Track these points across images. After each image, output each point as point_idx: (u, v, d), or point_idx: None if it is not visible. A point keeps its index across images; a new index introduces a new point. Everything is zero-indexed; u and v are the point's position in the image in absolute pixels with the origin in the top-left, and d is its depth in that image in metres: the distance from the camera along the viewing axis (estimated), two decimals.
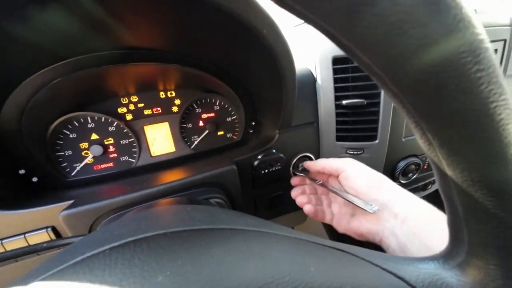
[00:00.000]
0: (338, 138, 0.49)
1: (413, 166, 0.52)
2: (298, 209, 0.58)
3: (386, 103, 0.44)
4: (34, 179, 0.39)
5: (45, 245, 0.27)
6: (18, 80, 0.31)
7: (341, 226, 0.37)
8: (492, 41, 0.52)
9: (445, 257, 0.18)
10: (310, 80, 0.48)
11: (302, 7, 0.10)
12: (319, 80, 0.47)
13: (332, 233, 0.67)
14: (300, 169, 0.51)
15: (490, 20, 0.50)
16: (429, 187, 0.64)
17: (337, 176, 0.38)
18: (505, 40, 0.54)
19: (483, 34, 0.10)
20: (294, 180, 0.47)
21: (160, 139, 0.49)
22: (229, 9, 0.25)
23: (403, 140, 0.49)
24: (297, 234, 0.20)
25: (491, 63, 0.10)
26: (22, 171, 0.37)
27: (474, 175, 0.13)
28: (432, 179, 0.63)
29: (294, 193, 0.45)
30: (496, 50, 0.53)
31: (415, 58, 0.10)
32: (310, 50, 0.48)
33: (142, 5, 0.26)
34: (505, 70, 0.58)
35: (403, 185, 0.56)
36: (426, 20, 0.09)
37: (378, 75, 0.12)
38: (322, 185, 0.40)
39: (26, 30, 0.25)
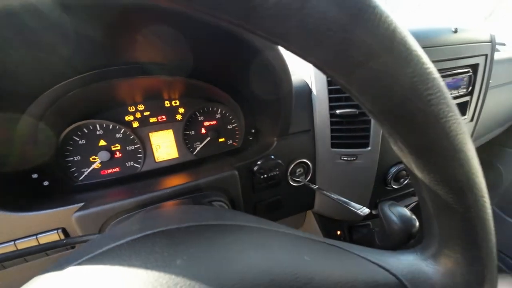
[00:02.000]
0: (333, 145, 0.52)
1: (404, 172, 0.55)
2: (296, 213, 0.61)
3: None
4: (46, 183, 0.41)
5: (64, 241, 0.29)
6: (38, 92, 0.34)
7: None
8: (474, 56, 0.56)
9: (422, 249, 0.21)
10: (306, 91, 0.51)
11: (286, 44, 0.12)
12: (314, 91, 0.50)
13: (327, 234, 0.69)
14: (297, 174, 0.54)
15: (472, 37, 0.54)
16: None
17: None
18: (486, 55, 0.58)
19: (431, 68, 0.13)
20: None
21: (164, 146, 0.51)
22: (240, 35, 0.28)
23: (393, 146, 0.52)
24: (294, 231, 0.22)
25: (438, 88, 0.13)
26: (35, 175, 0.39)
27: (437, 176, 0.15)
28: None
29: None
30: (478, 65, 0.57)
31: (380, 88, 0.13)
32: (305, 63, 0.51)
33: (157, 31, 0.29)
34: (487, 82, 0.62)
35: (395, 190, 0.58)
36: (394, 66, 0.12)
37: (355, 97, 0.15)
38: (318, 189, 0.42)
39: (44, 50, 0.28)
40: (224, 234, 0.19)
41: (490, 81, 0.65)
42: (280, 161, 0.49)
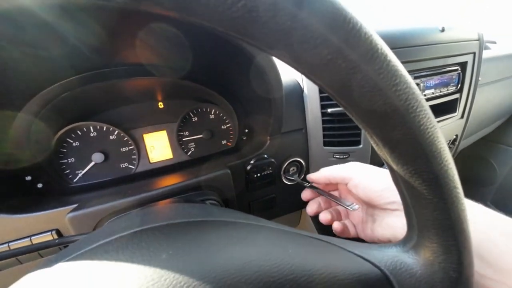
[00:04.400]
0: (325, 144, 0.52)
1: None
2: (291, 211, 0.61)
3: None
4: (39, 185, 0.41)
5: (57, 241, 0.29)
6: (31, 93, 0.34)
7: (367, 236, 0.35)
8: (462, 54, 0.57)
9: (404, 241, 0.21)
10: (297, 90, 0.52)
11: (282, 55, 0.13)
12: (305, 90, 0.51)
13: (322, 233, 0.69)
14: (291, 173, 0.54)
15: (460, 35, 0.55)
16: None
17: (346, 185, 0.36)
18: (474, 53, 0.60)
19: (398, 65, 0.13)
20: (304, 194, 0.43)
21: (158, 147, 0.52)
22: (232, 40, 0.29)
23: None
24: (281, 227, 0.23)
25: (406, 84, 0.14)
26: (28, 178, 0.40)
27: (411, 168, 0.16)
28: None
29: (310, 209, 0.41)
30: (466, 62, 0.58)
31: (347, 84, 0.13)
32: None
33: (152, 33, 0.30)
34: (476, 80, 0.63)
35: None
36: (360, 64, 0.13)
37: (328, 94, 0.15)
38: (311, 187, 0.43)
39: (43, 50, 0.29)
40: (210, 229, 0.19)
41: (480, 79, 0.66)
42: (273, 160, 0.49)
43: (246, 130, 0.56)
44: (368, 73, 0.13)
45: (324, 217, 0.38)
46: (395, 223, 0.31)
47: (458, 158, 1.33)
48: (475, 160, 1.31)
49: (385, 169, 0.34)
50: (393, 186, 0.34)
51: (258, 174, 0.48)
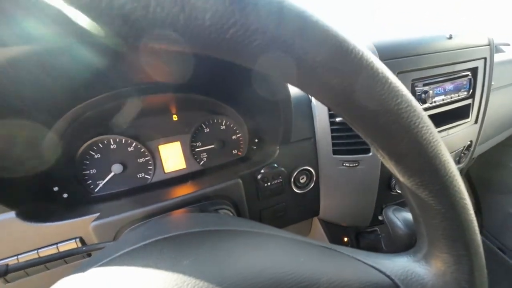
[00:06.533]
0: (335, 152, 0.53)
1: None
2: (302, 219, 0.61)
3: None
4: (65, 195, 0.44)
5: (84, 248, 0.31)
6: (60, 113, 0.37)
7: None
8: (472, 60, 0.56)
9: (415, 251, 0.22)
10: (306, 100, 0.53)
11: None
12: (313, 100, 0.52)
13: (334, 241, 0.68)
14: (301, 182, 0.55)
15: (468, 41, 0.55)
16: None
17: None
18: (485, 58, 0.59)
19: (399, 85, 0.15)
20: None
21: (172, 157, 0.54)
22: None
23: None
24: (294, 236, 0.24)
25: (407, 103, 0.15)
26: (55, 188, 0.43)
27: (417, 180, 0.17)
28: None
29: None
30: (477, 68, 0.58)
31: (354, 105, 0.14)
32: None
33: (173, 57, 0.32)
34: (489, 84, 0.62)
35: (400, 195, 0.58)
36: (364, 87, 0.14)
37: (338, 110, 0.16)
38: None
39: (70, 77, 0.32)
40: (226, 238, 0.21)
41: (493, 83, 0.65)
42: (283, 169, 0.50)
43: (256, 140, 0.58)
44: (371, 94, 0.14)
45: None
46: None
47: (476, 165, 1.28)
48: (495, 167, 1.25)
49: None
50: None
51: (268, 183, 0.49)
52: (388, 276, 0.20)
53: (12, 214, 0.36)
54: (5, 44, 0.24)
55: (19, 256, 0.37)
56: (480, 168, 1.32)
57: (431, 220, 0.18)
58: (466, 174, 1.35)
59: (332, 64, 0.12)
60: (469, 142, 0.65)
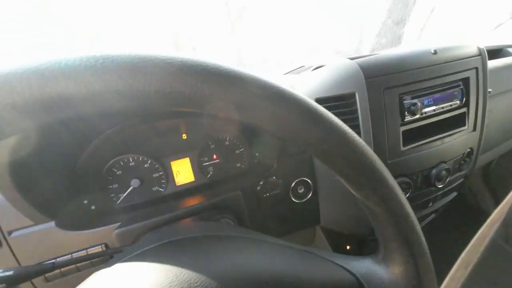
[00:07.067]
0: None
1: (404, 185, 0.57)
2: (302, 228, 0.65)
3: (366, 130, 0.52)
4: (93, 207, 0.52)
5: (109, 250, 0.38)
6: (90, 140, 0.46)
7: None
8: (462, 71, 0.59)
9: (377, 253, 0.25)
10: None
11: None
12: None
13: (336, 249, 0.70)
14: (299, 192, 0.59)
15: (455, 54, 0.58)
16: (430, 204, 0.66)
17: None
18: (476, 68, 0.61)
19: (334, 120, 0.19)
20: None
21: (182, 171, 0.61)
22: None
23: (388, 162, 0.56)
24: (279, 241, 0.28)
25: (341, 134, 0.19)
26: (85, 201, 0.51)
27: (363, 193, 0.21)
28: (432, 196, 0.66)
29: None
30: (468, 78, 0.60)
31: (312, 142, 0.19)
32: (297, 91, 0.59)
33: None
34: (485, 92, 0.63)
35: None
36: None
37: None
38: None
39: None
40: (218, 241, 0.26)
41: (490, 90, 0.66)
42: (280, 181, 0.55)
43: (257, 154, 0.63)
44: (308, 132, 0.19)
45: None
46: None
47: (495, 171, 1.23)
48: (505, 175, 1.19)
49: None
50: None
51: (268, 194, 0.54)
52: (353, 275, 0.24)
53: (52, 223, 0.43)
54: None
55: (56, 260, 0.44)
56: (502, 173, 1.25)
57: (381, 226, 0.22)
58: (486, 180, 1.29)
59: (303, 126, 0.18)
60: (469, 149, 0.65)
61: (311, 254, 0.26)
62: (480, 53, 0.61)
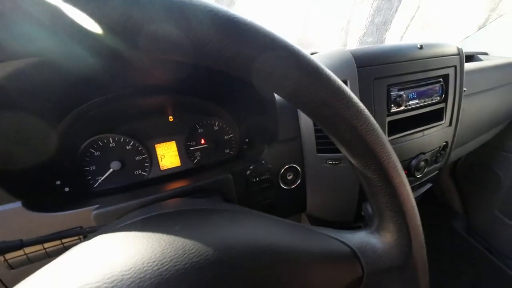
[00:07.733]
0: (319, 151, 0.57)
1: None
2: (290, 215, 0.65)
3: None
4: (66, 189, 0.47)
5: (87, 229, 0.35)
6: (65, 112, 0.41)
7: None
8: (443, 68, 0.62)
9: (371, 225, 0.26)
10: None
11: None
12: None
13: None
14: (288, 178, 0.59)
15: (439, 51, 0.61)
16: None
17: None
18: (455, 66, 0.65)
19: (341, 86, 0.19)
20: None
21: (168, 156, 0.58)
22: None
23: None
24: (272, 217, 0.28)
25: (347, 99, 0.19)
26: (58, 182, 0.46)
27: (362, 161, 0.21)
28: (411, 186, 0.70)
29: None
30: (448, 75, 0.63)
31: (306, 100, 0.19)
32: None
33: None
34: (461, 90, 0.68)
35: None
36: (312, 88, 0.18)
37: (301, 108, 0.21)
38: None
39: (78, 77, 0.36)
40: (211, 214, 0.25)
41: (465, 89, 0.70)
42: (270, 166, 0.54)
43: (247, 140, 0.62)
44: (317, 93, 0.18)
45: None
46: None
47: (464, 166, 1.34)
48: (481, 169, 1.31)
49: None
50: None
51: (257, 179, 0.53)
52: (347, 245, 0.24)
53: (18, 204, 0.39)
54: (17, 57, 0.28)
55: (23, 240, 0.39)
56: (466, 171, 1.37)
57: (377, 195, 0.23)
58: (453, 175, 1.41)
59: (285, 70, 0.17)
60: (444, 143, 0.70)
61: (307, 229, 0.26)
62: (459, 53, 0.65)
